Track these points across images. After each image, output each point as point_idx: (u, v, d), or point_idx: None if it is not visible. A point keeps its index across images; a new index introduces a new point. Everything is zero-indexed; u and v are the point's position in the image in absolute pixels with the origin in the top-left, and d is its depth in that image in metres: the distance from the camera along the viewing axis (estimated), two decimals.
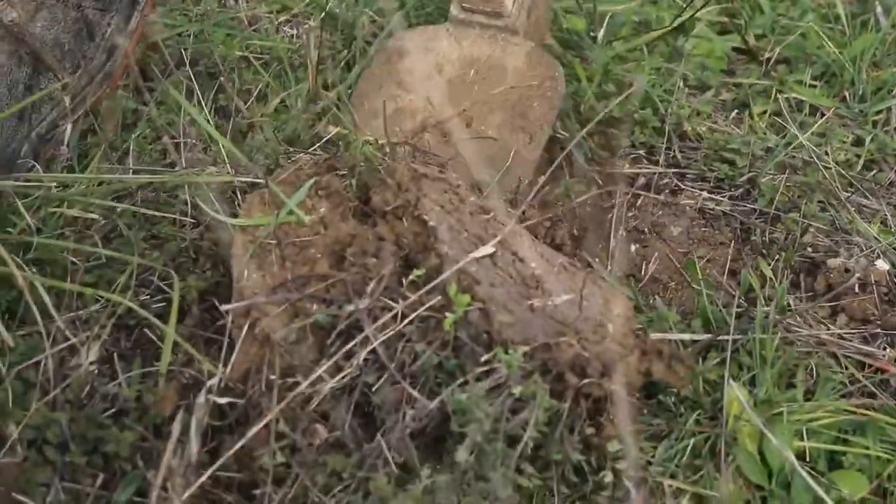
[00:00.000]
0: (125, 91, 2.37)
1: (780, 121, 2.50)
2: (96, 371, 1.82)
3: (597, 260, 2.21)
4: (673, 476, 1.79)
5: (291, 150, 2.14)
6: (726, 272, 2.21)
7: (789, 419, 1.85)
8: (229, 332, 1.77)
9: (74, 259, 1.93)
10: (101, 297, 1.85)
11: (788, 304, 2.09)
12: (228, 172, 2.06)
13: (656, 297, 2.15)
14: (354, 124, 2.12)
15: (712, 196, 2.34)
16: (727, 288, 2.17)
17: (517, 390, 1.58)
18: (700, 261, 2.20)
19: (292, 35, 2.69)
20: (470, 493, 1.60)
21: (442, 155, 2.03)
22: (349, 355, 1.65)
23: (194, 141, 2.21)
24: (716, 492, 1.76)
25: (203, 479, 1.63)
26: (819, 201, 2.30)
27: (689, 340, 2.00)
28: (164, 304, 1.94)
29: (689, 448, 1.82)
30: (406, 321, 1.65)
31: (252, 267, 1.77)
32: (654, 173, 2.39)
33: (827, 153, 2.38)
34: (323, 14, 2.58)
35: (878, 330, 2.06)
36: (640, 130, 2.45)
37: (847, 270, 2.14)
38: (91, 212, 1.97)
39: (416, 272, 1.67)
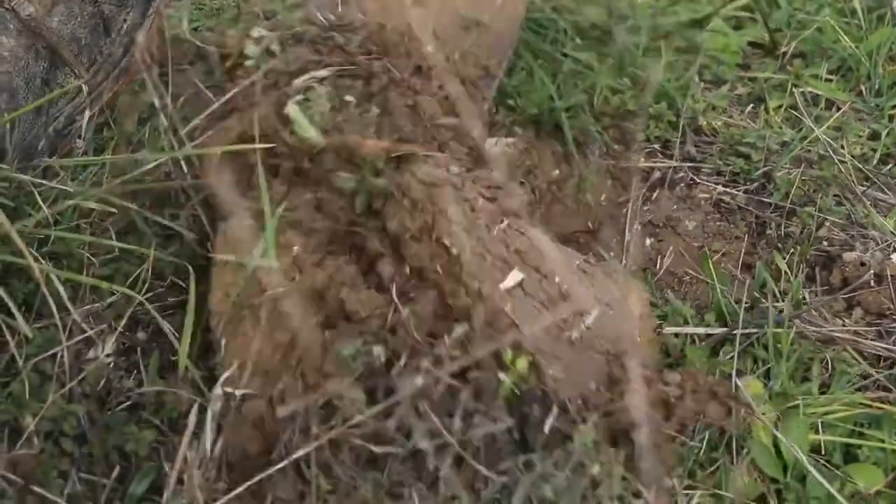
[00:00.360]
0: (141, 86, 2.38)
1: (795, 115, 2.50)
2: (112, 364, 1.83)
3: (612, 254, 2.21)
4: (691, 475, 1.80)
5: None
6: (741, 266, 2.21)
7: (805, 412, 1.85)
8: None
9: (89, 255, 1.93)
10: (116, 291, 1.85)
11: (804, 298, 2.09)
12: None
13: (670, 290, 2.14)
14: None
15: (727, 190, 2.34)
16: (742, 282, 2.17)
17: (595, 469, 1.58)
18: (715, 255, 2.20)
19: None
20: None
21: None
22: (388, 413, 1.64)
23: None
24: (731, 484, 1.76)
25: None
26: (835, 195, 2.30)
27: (704, 334, 2.00)
28: (182, 296, 1.95)
29: (705, 440, 1.82)
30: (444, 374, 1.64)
31: (230, 332, 1.74)
32: (669, 167, 2.39)
33: (843, 147, 2.38)
34: None
35: (894, 324, 2.05)
36: (655, 124, 2.45)
37: (863, 264, 2.13)
38: (107, 203, 1.97)
39: (458, 328, 1.64)
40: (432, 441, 1.59)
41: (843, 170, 2.31)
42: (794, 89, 2.57)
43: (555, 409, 1.61)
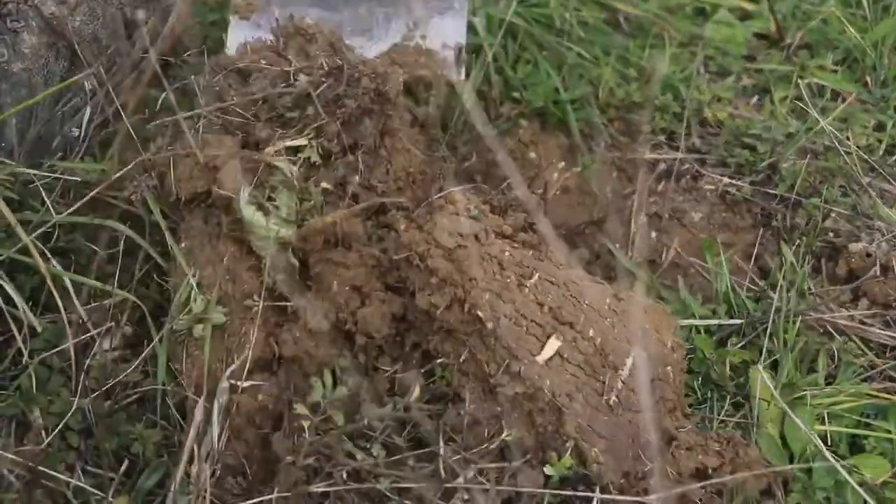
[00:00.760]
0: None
1: (801, 106, 2.49)
2: (118, 358, 1.83)
3: (617, 246, 2.21)
4: None
5: None
6: (747, 257, 2.21)
7: (811, 403, 1.85)
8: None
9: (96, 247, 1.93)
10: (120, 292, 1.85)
11: (810, 289, 2.09)
12: None
13: (678, 281, 2.15)
14: None
15: (733, 181, 2.33)
16: (748, 273, 2.17)
17: None
18: (721, 246, 2.20)
19: None
20: None
21: None
22: None
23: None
24: None
25: None
26: (840, 186, 2.29)
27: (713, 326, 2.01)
28: None
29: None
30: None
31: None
32: (675, 159, 2.39)
33: (848, 138, 2.37)
34: None
35: None
36: (660, 116, 2.45)
37: (868, 255, 2.13)
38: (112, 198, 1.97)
39: (507, 435, 1.66)
40: None
41: (848, 161, 2.30)
42: (799, 80, 2.56)
43: (598, 495, 1.64)
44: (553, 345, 1.66)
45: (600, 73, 2.49)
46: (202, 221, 1.80)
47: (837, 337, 1.99)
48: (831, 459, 1.74)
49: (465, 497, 1.60)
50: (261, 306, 1.75)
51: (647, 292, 2.05)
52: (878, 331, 2.00)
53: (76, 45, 2.01)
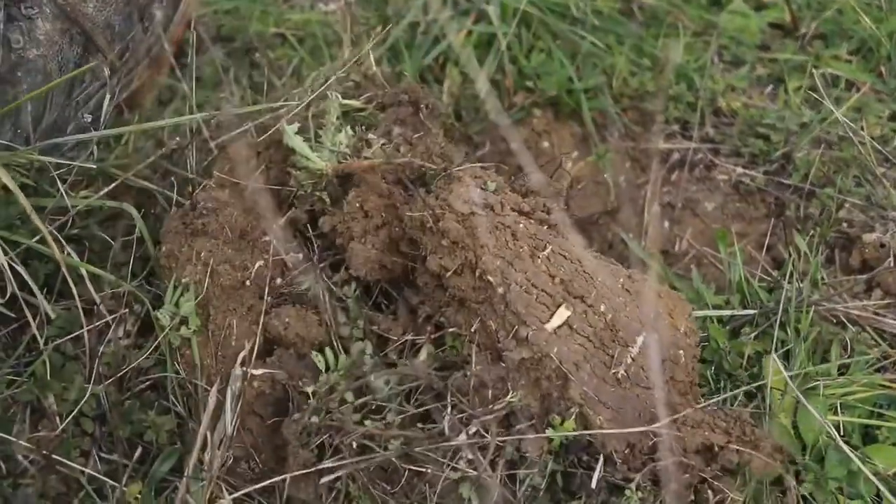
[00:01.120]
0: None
1: (815, 96, 2.48)
2: (131, 345, 1.84)
3: (630, 235, 2.21)
4: None
5: None
6: (761, 247, 2.21)
7: (824, 393, 1.84)
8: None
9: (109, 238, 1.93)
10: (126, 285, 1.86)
11: (823, 279, 2.09)
12: None
13: (691, 271, 2.15)
14: None
15: (747, 171, 2.33)
16: (761, 263, 2.16)
17: None
18: (734, 236, 2.20)
19: (326, 11, 2.69)
20: None
21: None
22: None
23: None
24: None
25: None
26: (854, 176, 2.29)
27: (726, 316, 2.01)
28: None
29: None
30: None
31: None
32: (689, 149, 2.38)
33: (862, 128, 2.36)
34: None
35: None
36: (674, 106, 2.45)
37: (882, 246, 2.13)
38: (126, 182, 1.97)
39: (512, 398, 1.66)
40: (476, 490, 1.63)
41: (862, 151, 2.29)
42: (813, 70, 2.56)
43: (601, 461, 1.65)
44: (562, 314, 1.66)
45: (614, 63, 2.49)
46: (181, 223, 1.81)
47: (851, 327, 1.99)
48: (845, 449, 1.74)
49: (469, 456, 1.60)
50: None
51: (661, 282, 2.05)
52: (891, 321, 2.00)
53: (89, 32, 2.01)
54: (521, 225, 1.70)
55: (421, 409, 1.67)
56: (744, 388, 1.87)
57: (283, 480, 1.63)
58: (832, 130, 2.37)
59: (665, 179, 2.35)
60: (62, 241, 1.81)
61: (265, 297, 1.79)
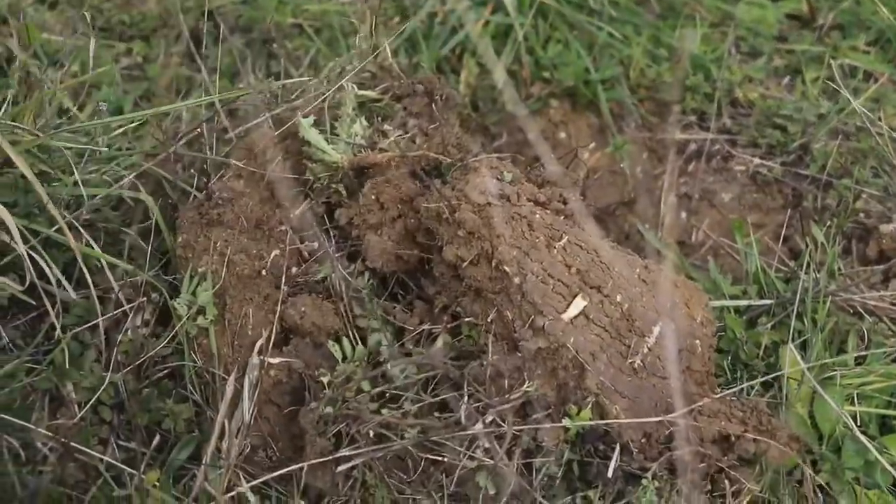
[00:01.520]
0: (179, 58, 2.39)
1: (833, 87, 2.47)
2: (148, 334, 1.84)
3: (647, 226, 2.21)
4: None
5: None
6: (777, 238, 2.20)
7: (841, 383, 1.84)
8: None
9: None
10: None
11: (840, 270, 2.08)
12: None
13: (708, 261, 2.14)
14: None
15: (764, 162, 2.33)
16: (778, 253, 2.16)
17: None
18: (751, 227, 2.20)
19: (344, 2, 2.69)
20: None
21: None
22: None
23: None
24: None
25: None
26: (872, 167, 2.28)
27: (743, 306, 2.01)
28: None
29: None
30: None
31: None
32: (706, 139, 2.38)
33: (880, 119, 2.36)
34: None
35: None
36: (691, 97, 2.44)
37: None
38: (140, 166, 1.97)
39: (528, 387, 1.66)
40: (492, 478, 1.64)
41: (880, 142, 2.29)
42: (831, 61, 2.55)
43: (617, 450, 1.66)
44: (579, 304, 1.66)
45: (631, 54, 2.49)
46: (196, 213, 1.82)
47: (867, 318, 1.98)
48: (862, 439, 1.73)
49: (486, 445, 1.61)
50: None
51: (677, 272, 2.05)
52: None
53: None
54: (538, 215, 1.71)
55: (438, 399, 1.67)
56: (760, 378, 1.87)
57: (301, 469, 1.64)
58: (850, 121, 2.36)
59: (682, 170, 2.35)
60: (80, 229, 1.82)
61: (281, 287, 1.79)
